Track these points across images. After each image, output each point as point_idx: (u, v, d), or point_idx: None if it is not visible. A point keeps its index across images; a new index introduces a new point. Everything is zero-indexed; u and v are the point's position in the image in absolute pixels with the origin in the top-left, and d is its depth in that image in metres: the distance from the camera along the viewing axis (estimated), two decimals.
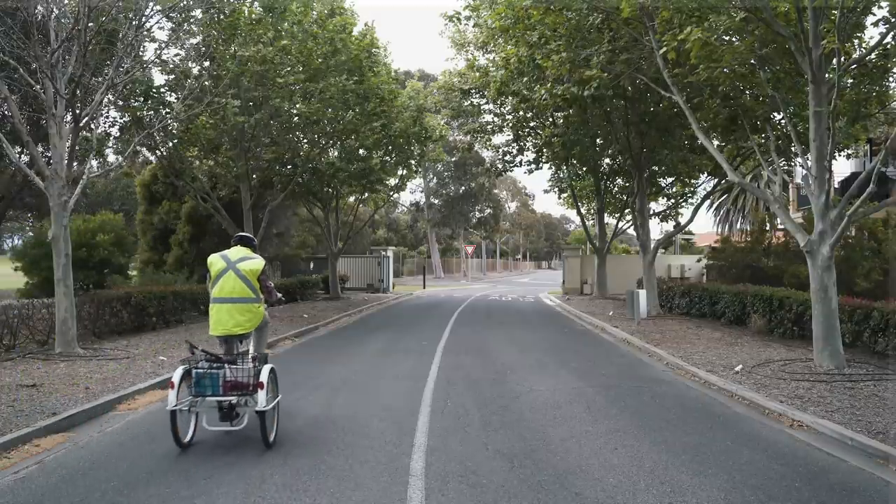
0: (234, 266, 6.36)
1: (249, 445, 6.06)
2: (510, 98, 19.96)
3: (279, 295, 6.93)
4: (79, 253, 17.98)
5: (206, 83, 15.44)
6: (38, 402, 7.43)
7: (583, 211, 30.14)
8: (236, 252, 6.55)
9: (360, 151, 23.21)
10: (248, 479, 5.19)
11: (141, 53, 13.80)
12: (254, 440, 6.07)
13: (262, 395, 5.84)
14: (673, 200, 26.26)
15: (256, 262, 6.45)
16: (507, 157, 26.25)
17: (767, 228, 21.63)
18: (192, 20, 15.40)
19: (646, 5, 11.17)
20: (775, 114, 13.74)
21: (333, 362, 11.06)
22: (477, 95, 23.88)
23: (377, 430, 6.65)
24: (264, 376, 5.98)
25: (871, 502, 4.91)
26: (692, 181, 23.32)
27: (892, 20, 9.19)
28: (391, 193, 31.33)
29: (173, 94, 16.13)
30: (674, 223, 26.84)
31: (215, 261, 6.46)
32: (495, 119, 25.56)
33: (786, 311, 12.56)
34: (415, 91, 24.01)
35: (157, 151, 18.79)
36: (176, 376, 5.86)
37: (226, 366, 6.02)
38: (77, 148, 11.72)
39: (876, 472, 5.50)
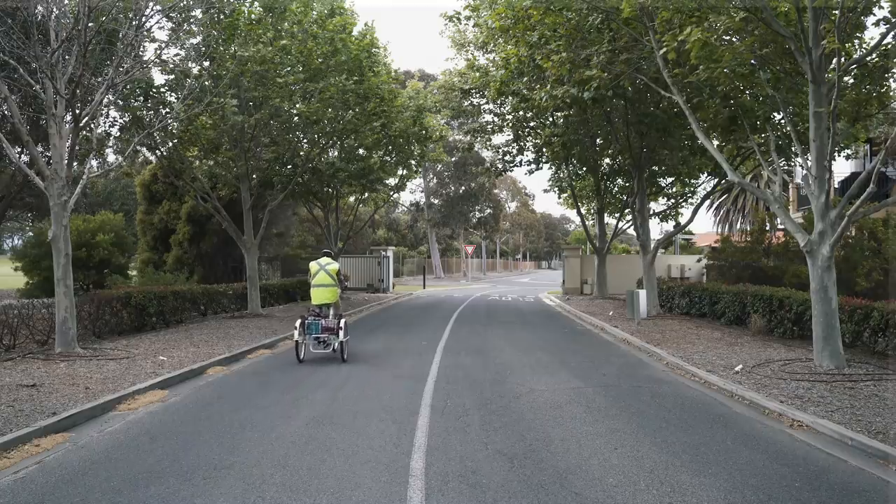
0: (325, 268, 11.47)
1: (332, 361, 11.33)
2: (510, 98, 19.95)
3: (346, 283, 12.71)
4: (79, 253, 17.99)
5: (206, 83, 15.45)
6: (38, 402, 7.43)
7: (583, 211, 30.15)
8: (324, 260, 11.62)
9: (360, 151, 23.20)
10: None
11: (141, 53, 13.80)
12: (335, 359, 11.36)
13: (341, 334, 11.11)
14: (673, 200, 26.27)
15: (335, 265, 11.58)
16: (507, 157, 26.26)
17: (767, 228, 21.63)
18: (192, 20, 15.40)
19: (646, 5, 11.17)
20: (775, 114, 13.73)
21: (334, 361, 11.06)
22: (477, 95, 23.89)
23: (377, 429, 6.65)
24: (342, 324, 11.22)
25: (871, 502, 4.91)
26: (692, 181, 23.32)
27: (893, 20, 9.19)
28: (391, 193, 31.33)
29: (173, 94, 16.14)
30: (674, 223, 26.85)
31: (313, 265, 11.59)
32: (495, 119, 25.57)
33: (786, 311, 12.56)
34: (415, 91, 24.01)
35: (157, 151, 18.79)
36: (297, 323, 11.11)
37: (321, 319, 11.23)
38: (77, 148, 11.72)
39: (876, 472, 5.50)
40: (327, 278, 11.36)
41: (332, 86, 17.39)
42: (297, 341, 10.97)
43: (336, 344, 11.17)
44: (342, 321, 11.26)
